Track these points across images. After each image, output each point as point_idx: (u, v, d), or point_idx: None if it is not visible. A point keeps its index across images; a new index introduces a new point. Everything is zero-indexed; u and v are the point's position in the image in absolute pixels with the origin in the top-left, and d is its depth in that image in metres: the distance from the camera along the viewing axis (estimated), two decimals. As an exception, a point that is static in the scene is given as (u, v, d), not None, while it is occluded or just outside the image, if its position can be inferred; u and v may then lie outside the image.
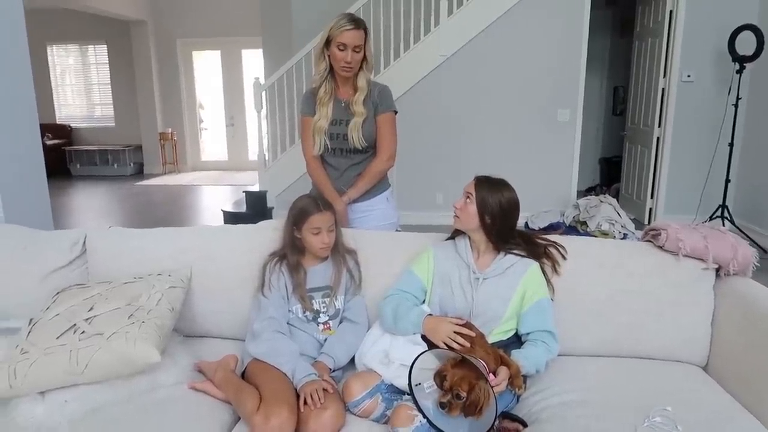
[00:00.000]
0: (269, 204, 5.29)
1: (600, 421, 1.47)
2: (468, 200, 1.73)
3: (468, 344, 1.56)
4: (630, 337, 1.88)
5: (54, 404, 1.52)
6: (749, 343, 1.69)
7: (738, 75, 4.62)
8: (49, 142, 9.04)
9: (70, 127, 9.80)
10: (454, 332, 1.58)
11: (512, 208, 1.74)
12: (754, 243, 4.41)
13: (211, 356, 1.83)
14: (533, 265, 1.78)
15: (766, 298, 1.74)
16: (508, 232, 1.77)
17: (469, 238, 1.80)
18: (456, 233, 1.87)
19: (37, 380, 1.52)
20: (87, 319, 1.64)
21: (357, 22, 2.13)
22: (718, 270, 1.89)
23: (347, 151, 2.28)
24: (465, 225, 1.76)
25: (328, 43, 2.16)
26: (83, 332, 1.59)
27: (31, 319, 1.69)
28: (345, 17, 2.13)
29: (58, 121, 9.78)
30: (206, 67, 9.73)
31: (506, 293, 1.73)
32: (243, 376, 1.72)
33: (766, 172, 4.79)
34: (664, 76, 5.23)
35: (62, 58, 9.76)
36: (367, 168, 2.30)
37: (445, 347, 1.56)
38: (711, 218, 4.88)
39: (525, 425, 1.53)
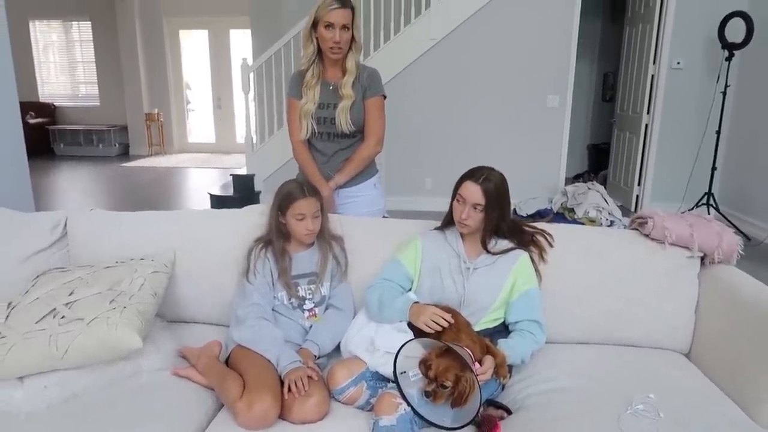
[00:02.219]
0: (257, 188, 5.24)
1: (584, 408, 1.48)
2: (475, 209, 1.69)
3: (451, 319, 1.55)
4: (615, 325, 1.89)
5: (33, 389, 1.50)
6: (732, 330, 1.70)
7: (727, 62, 4.63)
8: (32, 121, 8.86)
9: (53, 105, 9.61)
10: (434, 313, 1.57)
11: (509, 198, 1.74)
12: (738, 231, 4.45)
13: (195, 342, 1.82)
14: (523, 255, 1.78)
15: (749, 286, 1.76)
16: (502, 220, 1.76)
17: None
18: (446, 223, 1.85)
19: (15, 365, 1.49)
20: (67, 303, 1.62)
21: (344, 1, 2.08)
22: (702, 258, 1.90)
23: (335, 135, 2.25)
24: (474, 229, 1.75)
25: (315, 24, 2.11)
26: (63, 317, 1.57)
27: (9, 303, 1.66)
28: (332, -4, 2.08)
29: (41, 99, 9.57)
30: (193, 46, 9.56)
31: (496, 283, 1.73)
32: (227, 362, 1.70)
33: (752, 160, 4.83)
34: (654, 62, 5.22)
35: (45, 34, 9.51)
36: (355, 153, 2.27)
37: (427, 329, 1.55)
38: (697, 206, 4.92)
39: (509, 412, 1.53)
